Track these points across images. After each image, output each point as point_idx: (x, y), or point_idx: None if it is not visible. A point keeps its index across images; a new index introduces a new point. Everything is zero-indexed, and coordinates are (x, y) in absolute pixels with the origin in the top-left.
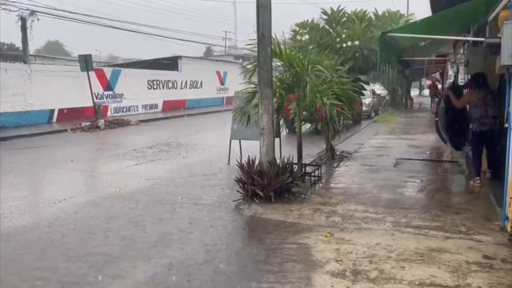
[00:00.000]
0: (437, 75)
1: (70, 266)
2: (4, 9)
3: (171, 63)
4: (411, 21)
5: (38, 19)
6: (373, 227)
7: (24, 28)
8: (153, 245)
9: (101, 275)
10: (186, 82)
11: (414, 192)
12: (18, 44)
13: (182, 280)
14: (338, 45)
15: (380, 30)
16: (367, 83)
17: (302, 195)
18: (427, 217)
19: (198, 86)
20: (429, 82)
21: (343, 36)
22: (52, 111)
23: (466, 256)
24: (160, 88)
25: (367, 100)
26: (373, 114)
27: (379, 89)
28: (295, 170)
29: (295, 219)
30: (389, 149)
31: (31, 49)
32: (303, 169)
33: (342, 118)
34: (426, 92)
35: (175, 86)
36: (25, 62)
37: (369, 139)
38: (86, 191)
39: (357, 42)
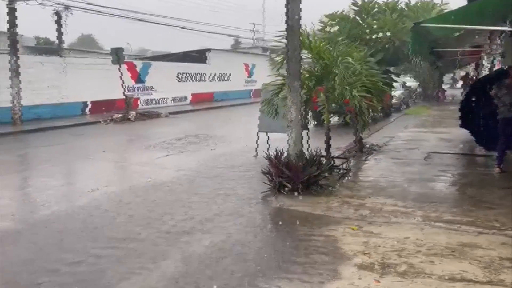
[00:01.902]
0: (471, 66)
1: (102, 253)
2: (40, 4)
3: (199, 56)
4: (444, 11)
5: (72, 13)
6: (403, 221)
7: (59, 23)
8: (184, 234)
9: (131, 262)
10: (214, 75)
11: (445, 186)
12: (53, 38)
13: (209, 268)
14: (368, 37)
15: (412, 20)
16: (398, 75)
17: (330, 188)
18: (458, 211)
19: (226, 79)
20: (462, 74)
21: (374, 27)
22: (85, 103)
23: (499, 252)
24: (188, 81)
25: (397, 92)
26: (403, 106)
27: (410, 81)
28: (323, 162)
29: (323, 211)
30: (420, 143)
31: (66, 43)
32: (331, 162)
33: (371, 110)
34: (459, 84)
35: (204, 79)
36: (60, 56)
37: (399, 132)
38: (118, 181)
39: (388, 33)
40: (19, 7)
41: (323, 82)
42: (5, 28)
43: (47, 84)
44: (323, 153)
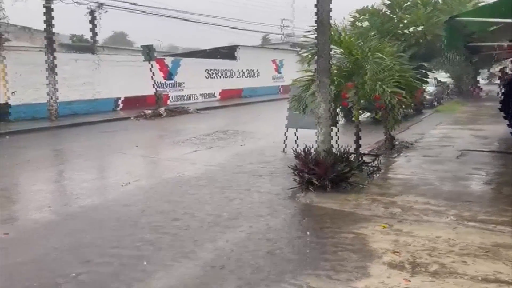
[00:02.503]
0: (509, 61)
1: (135, 244)
2: (75, 2)
3: (228, 52)
4: (481, 4)
5: (106, 11)
6: (434, 219)
7: (93, 21)
8: (212, 229)
9: (163, 254)
10: (242, 71)
11: (479, 185)
12: (88, 36)
13: (236, 263)
14: (400, 31)
15: (446, 14)
16: (431, 71)
17: (359, 185)
18: (493, 211)
19: (255, 75)
20: (499, 69)
21: (406, 21)
22: (117, 99)
23: None
24: (217, 77)
25: (430, 88)
26: (436, 103)
27: (443, 76)
28: (352, 159)
29: (352, 208)
30: (453, 140)
31: (99, 40)
32: (361, 159)
33: (402, 107)
34: (496, 79)
35: (232, 75)
36: (94, 53)
37: (431, 129)
38: (149, 176)
39: (421, 28)
40: (55, 6)
41: (353, 78)
42: (42, 26)
43: (82, 80)
44: (353, 150)
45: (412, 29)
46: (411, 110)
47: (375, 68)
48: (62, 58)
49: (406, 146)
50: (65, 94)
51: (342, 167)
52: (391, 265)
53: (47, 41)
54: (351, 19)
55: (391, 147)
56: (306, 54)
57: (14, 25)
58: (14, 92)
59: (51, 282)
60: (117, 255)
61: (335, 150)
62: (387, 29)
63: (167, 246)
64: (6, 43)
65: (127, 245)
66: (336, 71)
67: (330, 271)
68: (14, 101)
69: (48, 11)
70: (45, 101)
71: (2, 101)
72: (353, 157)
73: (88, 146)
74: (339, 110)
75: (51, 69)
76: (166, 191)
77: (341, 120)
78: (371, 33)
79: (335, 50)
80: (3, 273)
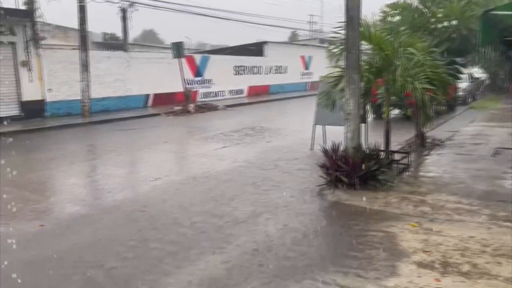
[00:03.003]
0: None
1: (166, 237)
2: (108, 1)
3: (256, 49)
4: None
5: (136, 9)
6: (467, 219)
7: (124, 19)
8: (240, 224)
9: (191, 248)
10: (270, 68)
11: None
12: (119, 33)
13: (262, 259)
14: (432, 26)
15: (482, 8)
16: (464, 66)
17: (389, 183)
18: None
19: (282, 71)
20: None
21: (439, 15)
22: (147, 96)
23: None
24: (245, 74)
25: (463, 84)
26: (469, 99)
27: (478, 72)
28: (382, 157)
29: (381, 206)
30: (487, 138)
31: (130, 38)
32: (390, 156)
33: (434, 103)
34: None
35: (260, 72)
36: (125, 51)
37: (464, 126)
38: (178, 171)
39: (454, 22)
40: (89, 5)
41: (383, 74)
42: (76, 25)
43: (113, 77)
44: (382, 147)
45: (445, 23)
46: (443, 107)
47: (406, 64)
48: (95, 55)
49: (438, 144)
50: (97, 91)
51: (371, 164)
52: (421, 265)
53: (80, 39)
54: (381, 14)
55: (422, 145)
56: (335, 50)
57: (49, 24)
58: (49, 89)
59: (83, 273)
60: (147, 248)
61: (364, 147)
62: (419, 23)
63: (197, 240)
64: (42, 42)
65: (159, 238)
66: (366, 67)
67: (358, 269)
68: (49, 97)
69: (82, 10)
70: (79, 97)
71: (38, 97)
72: (382, 154)
73: (120, 142)
74: (368, 106)
75: (85, 66)
76: (195, 186)
77: (370, 117)
78: (402, 28)
79: (365, 45)
80: (39, 263)
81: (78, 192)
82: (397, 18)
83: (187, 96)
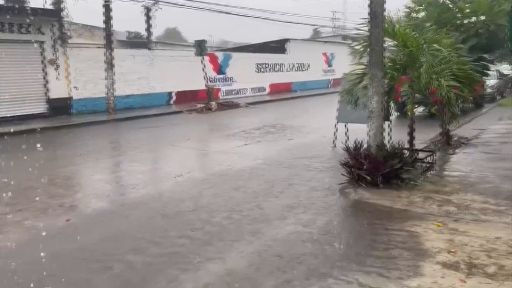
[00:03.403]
0: None
1: (189, 233)
2: (132, 0)
3: (278, 46)
4: None
5: (160, 8)
6: (493, 219)
7: (148, 17)
8: (262, 221)
9: (213, 244)
10: (292, 65)
11: None
12: (143, 32)
13: (285, 256)
14: (459, 22)
15: (510, 3)
16: (492, 63)
17: (412, 182)
18: None
19: (305, 69)
20: None
21: (466, 11)
22: (170, 93)
23: None
24: (267, 71)
25: (491, 81)
26: (497, 97)
27: (506, 69)
28: (406, 155)
29: (404, 206)
30: None
31: (153, 36)
32: (414, 155)
33: (460, 101)
34: None
35: (282, 69)
36: (148, 49)
37: (491, 124)
38: (200, 168)
39: (482, 17)
40: (114, 4)
41: (407, 71)
42: (101, 24)
43: (137, 75)
44: (406, 145)
45: (472, 19)
46: (470, 105)
47: (431, 61)
48: (119, 54)
49: (464, 142)
50: (121, 89)
51: (395, 163)
52: (446, 265)
53: (105, 38)
54: (406, 10)
55: (447, 143)
56: (358, 47)
57: (76, 23)
58: (75, 87)
59: (106, 266)
60: (170, 242)
61: (387, 146)
62: (445, 19)
63: (218, 236)
64: (69, 41)
65: (182, 233)
66: (390, 64)
67: (380, 268)
68: (75, 95)
69: (107, 9)
70: (104, 95)
71: (65, 95)
72: (406, 153)
73: (143, 139)
74: (392, 104)
75: (109, 64)
76: (217, 183)
77: (394, 115)
78: (427, 24)
79: (389, 42)
80: (65, 256)
81: (103, 187)
82: (423, 14)
83: (209, 94)
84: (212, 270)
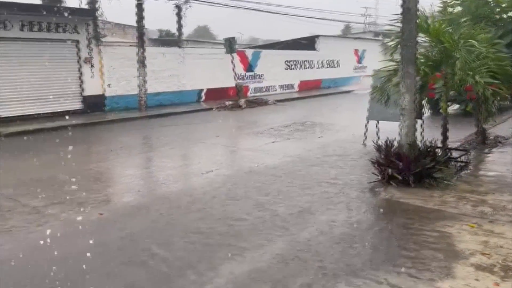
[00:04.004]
0: None
1: (217, 228)
2: None
3: (308, 43)
4: None
5: (191, 6)
6: None
7: (179, 15)
8: (292, 218)
9: (243, 241)
10: (322, 62)
11: None
12: (174, 30)
13: (315, 253)
14: (496, 16)
15: None
16: None
17: (445, 181)
18: None
19: (335, 65)
20: None
21: (504, 5)
22: (200, 91)
23: None
24: (296, 68)
25: None
26: None
27: None
28: (438, 154)
29: (436, 205)
30: None
31: (184, 34)
32: (448, 154)
33: (497, 98)
34: None
35: (312, 66)
36: (179, 47)
37: None
38: (229, 165)
39: None
40: (146, 2)
41: (441, 67)
42: (134, 22)
43: (168, 73)
44: (439, 144)
45: (511, 13)
46: (508, 102)
47: (467, 57)
48: (151, 52)
49: (500, 141)
50: (153, 86)
51: (427, 161)
52: (480, 267)
53: (138, 36)
54: (441, 5)
55: (483, 142)
56: (390, 43)
57: (109, 22)
58: (109, 84)
59: (140, 259)
60: (201, 237)
61: (419, 144)
62: (481, 14)
63: (248, 233)
64: (103, 39)
65: (212, 228)
66: (423, 60)
67: (411, 269)
68: (109, 92)
69: (140, 8)
70: (136, 92)
71: (99, 92)
72: (439, 151)
73: (173, 135)
74: (425, 101)
75: (141, 62)
76: (245, 180)
77: (427, 112)
78: (463, 19)
79: (422, 38)
80: (100, 249)
81: (134, 182)
82: (458, 8)
83: (238, 91)
84: (241, 267)
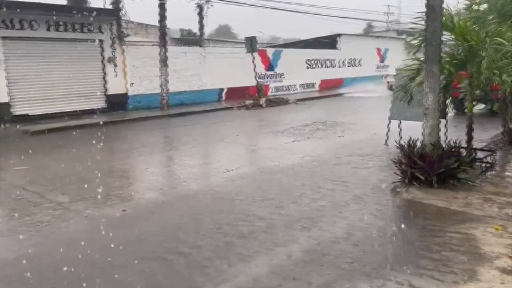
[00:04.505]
0: None
1: (237, 226)
2: None
3: (330, 42)
4: None
5: (212, 5)
6: None
7: (200, 15)
8: (310, 218)
9: (260, 239)
10: (344, 61)
11: None
12: (195, 29)
13: (336, 254)
14: None
15: None
16: None
17: (470, 182)
18: None
19: (356, 64)
20: None
21: None
22: (221, 90)
23: None
24: (318, 67)
25: None
26: None
27: None
28: (463, 154)
29: (460, 207)
30: None
31: (205, 33)
32: (473, 154)
33: None
34: None
35: (333, 65)
36: (201, 46)
37: None
38: (249, 164)
39: None
40: (168, 2)
41: (466, 66)
42: (156, 22)
43: (190, 72)
44: (464, 144)
45: None
46: None
47: (494, 55)
48: (173, 51)
49: None
50: (174, 85)
51: (451, 162)
52: (505, 271)
53: (160, 36)
54: (466, 3)
55: (509, 143)
56: (413, 42)
57: (132, 22)
58: (131, 83)
59: (161, 256)
60: (221, 234)
61: (443, 144)
62: (509, 11)
63: (269, 231)
64: (126, 39)
65: (232, 226)
66: (447, 59)
67: (433, 271)
68: (131, 91)
69: (162, 7)
70: (158, 91)
71: (122, 91)
72: (463, 152)
73: (195, 134)
74: (449, 101)
75: (163, 62)
76: (265, 179)
77: (451, 112)
78: (489, 17)
79: (447, 36)
80: (122, 244)
81: (156, 180)
82: (484, 6)
83: (259, 90)
84: (256, 267)
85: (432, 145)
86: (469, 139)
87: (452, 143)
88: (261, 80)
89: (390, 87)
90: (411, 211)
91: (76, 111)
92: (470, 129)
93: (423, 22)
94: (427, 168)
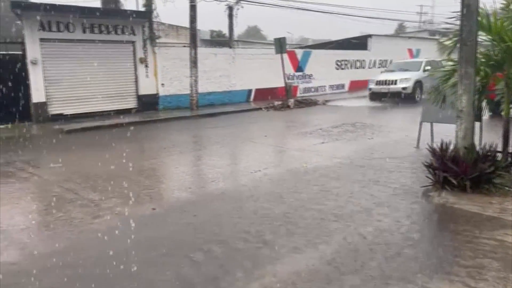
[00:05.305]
0: None
1: (265, 226)
2: None
3: (360, 42)
4: None
5: (242, 6)
6: None
7: (230, 16)
8: (338, 221)
9: (287, 241)
10: (374, 61)
11: None
12: (225, 30)
13: (366, 257)
14: None
15: None
16: None
17: (506, 188)
18: None
19: (387, 65)
20: None
21: None
22: (250, 90)
23: None
24: (347, 68)
25: None
26: None
27: None
28: (498, 159)
29: (495, 213)
30: None
31: (235, 35)
32: (510, 159)
33: None
34: None
35: (363, 66)
36: (230, 47)
37: None
38: (277, 164)
39: None
40: (198, 4)
41: (503, 67)
42: (186, 23)
43: (219, 73)
44: (499, 148)
45: None
46: None
47: None
48: (202, 52)
49: None
50: (204, 86)
51: (486, 166)
52: None
53: (190, 37)
54: (503, 2)
55: None
56: (447, 42)
57: (163, 24)
58: (162, 84)
59: (187, 255)
60: (250, 234)
61: (477, 148)
62: None
63: (297, 233)
64: (157, 40)
65: (261, 226)
66: (483, 60)
67: (466, 277)
68: (162, 92)
69: (193, 9)
70: (187, 92)
71: (153, 92)
72: (499, 156)
73: (223, 134)
74: (484, 103)
75: (193, 63)
76: (292, 180)
77: (486, 115)
78: None
79: (482, 37)
80: (152, 241)
81: (185, 179)
82: None
83: (287, 91)
84: (288, 268)
85: (466, 148)
86: (506, 143)
87: (487, 147)
88: (290, 81)
89: (372, 95)
90: (443, 216)
91: (108, 111)
92: (507, 133)
93: (458, 22)
94: (460, 172)
